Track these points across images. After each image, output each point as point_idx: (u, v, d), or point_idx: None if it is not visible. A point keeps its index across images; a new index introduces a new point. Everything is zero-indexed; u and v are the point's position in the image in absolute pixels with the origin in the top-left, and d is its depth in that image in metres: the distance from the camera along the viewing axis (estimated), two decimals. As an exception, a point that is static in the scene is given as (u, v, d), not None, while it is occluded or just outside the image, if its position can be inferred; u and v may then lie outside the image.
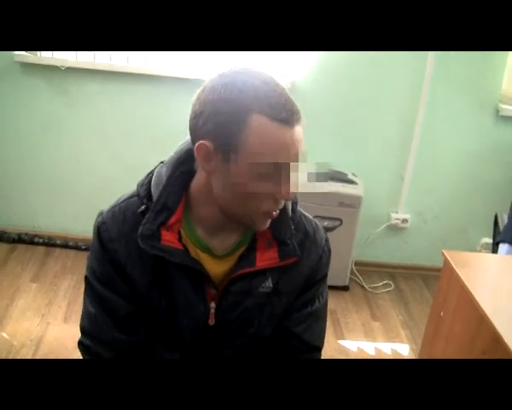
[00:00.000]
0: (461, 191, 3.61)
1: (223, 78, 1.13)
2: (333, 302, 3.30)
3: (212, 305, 1.29)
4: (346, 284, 3.47)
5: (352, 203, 3.27)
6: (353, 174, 3.40)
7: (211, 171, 1.16)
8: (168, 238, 1.22)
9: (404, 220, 3.63)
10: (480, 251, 3.58)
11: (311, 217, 1.39)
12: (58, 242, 3.52)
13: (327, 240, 1.39)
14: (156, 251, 1.22)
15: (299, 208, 1.36)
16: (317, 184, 3.29)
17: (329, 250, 1.39)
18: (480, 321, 1.74)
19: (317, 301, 1.39)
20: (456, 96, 3.40)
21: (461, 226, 3.68)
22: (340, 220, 3.29)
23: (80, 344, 1.36)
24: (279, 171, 1.12)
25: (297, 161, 1.13)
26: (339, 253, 3.33)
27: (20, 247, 3.49)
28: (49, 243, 3.52)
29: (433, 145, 3.50)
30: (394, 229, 3.66)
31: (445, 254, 2.02)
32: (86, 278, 1.33)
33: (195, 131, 1.15)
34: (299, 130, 1.12)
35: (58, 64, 3.17)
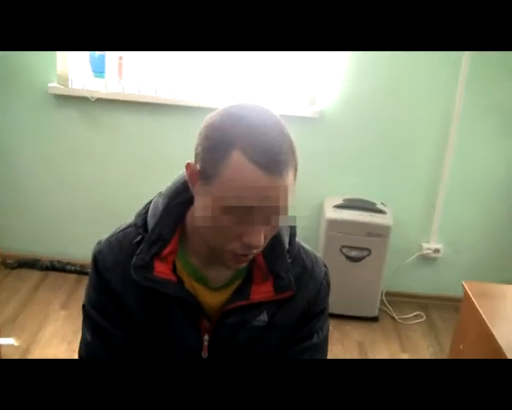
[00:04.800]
0: (495, 219, 3.53)
1: (227, 108, 1.12)
2: (361, 334, 3.25)
3: (206, 337, 1.28)
4: (376, 314, 3.41)
5: (381, 233, 3.23)
6: (382, 203, 3.35)
7: (196, 193, 1.16)
8: (161, 269, 1.22)
9: (436, 250, 3.55)
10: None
11: (310, 250, 1.37)
12: (89, 270, 3.55)
13: (326, 273, 1.36)
14: (148, 282, 1.21)
15: (299, 241, 1.34)
16: (346, 213, 3.26)
17: (328, 284, 1.36)
18: (495, 355, 1.68)
19: (315, 336, 1.35)
20: (487, 121, 3.34)
21: (496, 255, 3.58)
22: (369, 250, 3.25)
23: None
24: (246, 213, 1.08)
25: (270, 211, 1.09)
26: (367, 283, 3.31)
27: (52, 274, 3.55)
28: (81, 271, 3.56)
29: (465, 172, 3.44)
30: (426, 259, 3.58)
31: (465, 285, 1.97)
32: (83, 305, 1.34)
33: (194, 154, 1.16)
34: (279, 181, 1.06)
35: (88, 95, 3.25)
